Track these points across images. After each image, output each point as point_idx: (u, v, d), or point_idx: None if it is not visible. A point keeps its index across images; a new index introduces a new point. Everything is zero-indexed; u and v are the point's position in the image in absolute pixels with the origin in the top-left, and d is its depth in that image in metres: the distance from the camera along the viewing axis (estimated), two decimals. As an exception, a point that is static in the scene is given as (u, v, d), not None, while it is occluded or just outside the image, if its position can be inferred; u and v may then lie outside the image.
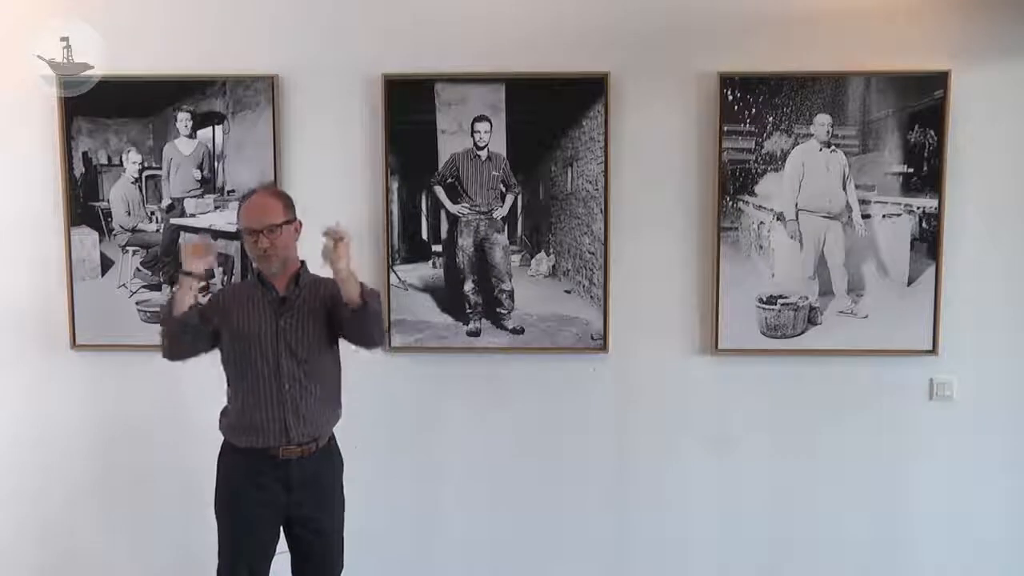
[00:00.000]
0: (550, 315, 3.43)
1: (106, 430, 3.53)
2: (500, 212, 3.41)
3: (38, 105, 3.38)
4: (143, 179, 3.44)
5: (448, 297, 3.44)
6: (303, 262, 2.83)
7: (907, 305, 3.36)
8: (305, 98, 3.39)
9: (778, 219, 3.36)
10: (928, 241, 3.33)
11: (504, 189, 3.40)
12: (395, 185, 3.41)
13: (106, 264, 3.45)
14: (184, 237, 2.70)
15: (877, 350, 3.38)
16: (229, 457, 2.84)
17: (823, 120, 3.31)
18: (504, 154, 3.38)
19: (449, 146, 3.38)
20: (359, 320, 2.68)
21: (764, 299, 3.39)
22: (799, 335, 3.39)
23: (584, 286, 3.42)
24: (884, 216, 3.34)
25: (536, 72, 3.32)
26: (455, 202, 3.41)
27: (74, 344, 3.47)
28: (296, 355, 2.76)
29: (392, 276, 3.43)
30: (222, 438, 2.85)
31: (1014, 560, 3.49)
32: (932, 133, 3.29)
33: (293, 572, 2.90)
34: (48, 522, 3.57)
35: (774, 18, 3.31)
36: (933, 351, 3.37)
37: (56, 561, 3.58)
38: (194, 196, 3.44)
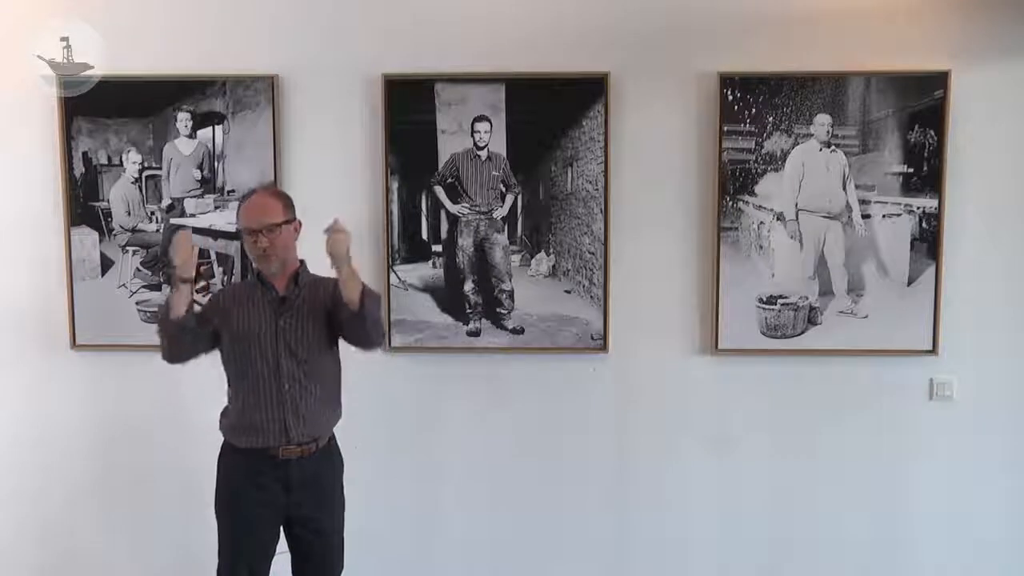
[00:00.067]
0: (550, 315, 3.43)
1: (106, 430, 3.53)
2: (500, 212, 3.41)
3: (38, 105, 3.38)
4: (143, 179, 3.44)
5: (448, 297, 3.44)
6: (302, 261, 2.83)
7: (907, 305, 3.36)
8: (305, 98, 3.39)
9: (778, 219, 3.36)
10: (928, 241, 3.33)
11: (504, 189, 3.40)
12: (395, 185, 3.41)
13: (106, 264, 3.45)
14: (177, 233, 2.71)
15: (877, 350, 3.38)
16: (229, 457, 2.84)
17: (823, 120, 3.31)
18: (504, 154, 3.38)
19: (449, 146, 3.38)
20: (358, 322, 2.69)
21: (764, 299, 3.39)
22: (799, 335, 3.39)
23: (584, 286, 3.42)
24: (884, 216, 3.34)
25: (536, 72, 3.32)
26: (455, 202, 3.42)
27: (74, 344, 3.47)
28: (296, 355, 2.76)
29: (392, 276, 3.43)
30: (222, 438, 2.85)
31: (1014, 560, 3.49)
32: (932, 133, 3.29)
33: (293, 572, 2.90)
34: (48, 522, 3.57)
35: (774, 18, 3.31)
36: (933, 351, 3.37)
37: (56, 561, 3.58)
38: (194, 196, 3.44)
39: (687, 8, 3.32)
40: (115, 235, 3.45)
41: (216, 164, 3.42)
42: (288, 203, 2.79)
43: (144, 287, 3.46)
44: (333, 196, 3.36)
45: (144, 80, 3.36)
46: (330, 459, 2.89)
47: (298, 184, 3.33)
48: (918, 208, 3.33)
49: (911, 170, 3.31)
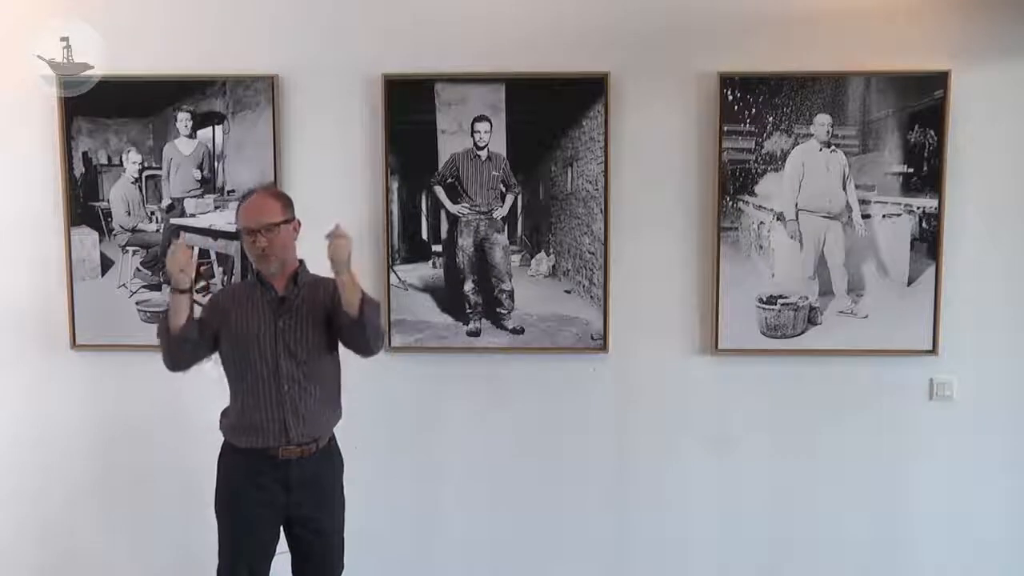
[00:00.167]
0: (550, 315, 3.43)
1: (106, 430, 3.53)
2: (500, 212, 3.41)
3: (38, 105, 3.38)
4: (143, 179, 3.44)
5: (448, 297, 3.44)
6: (301, 261, 2.83)
7: (907, 305, 3.36)
8: (305, 98, 3.39)
9: (778, 219, 3.36)
10: (928, 241, 3.33)
11: (504, 189, 3.40)
12: (395, 185, 3.41)
13: (106, 264, 3.45)
14: (172, 245, 2.68)
15: (877, 350, 3.38)
16: (229, 457, 2.84)
17: (823, 120, 3.31)
18: (504, 154, 3.38)
19: (449, 146, 3.38)
20: (357, 329, 2.70)
21: (764, 299, 3.39)
22: (799, 335, 3.39)
23: (584, 286, 3.42)
24: (884, 216, 3.34)
25: (536, 72, 3.32)
26: (455, 202, 3.41)
27: (74, 344, 3.47)
28: (295, 356, 2.76)
29: (392, 276, 3.43)
30: (222, 438, 2.85)
31: (1014, 560, 3.49)
32: (932, 133, 3.29)
33: (293, 572, 2.90)
34: (48, 522, 3.57)
35: (774, 18, 3.31)
36: (933, 351, 3.37)
37: (56, 561, 3.58)
38: (194, 196, 3.44)
39: (687, 8, 3.32)
40: (115, 235, 3.45)
41: (216, 164, 3.42)
42: (287, 203, 2.79)
43: (144, 287, 3.46)
44: (333, 196, 3.36)
45: (144, 80, 3.36)
46: (330, 459, 2.89)
47: (298, 184, 3.33)
48: (918, 208, 3.33)
49: (911, 170, 3.31)
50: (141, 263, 3.46)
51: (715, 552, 3.52)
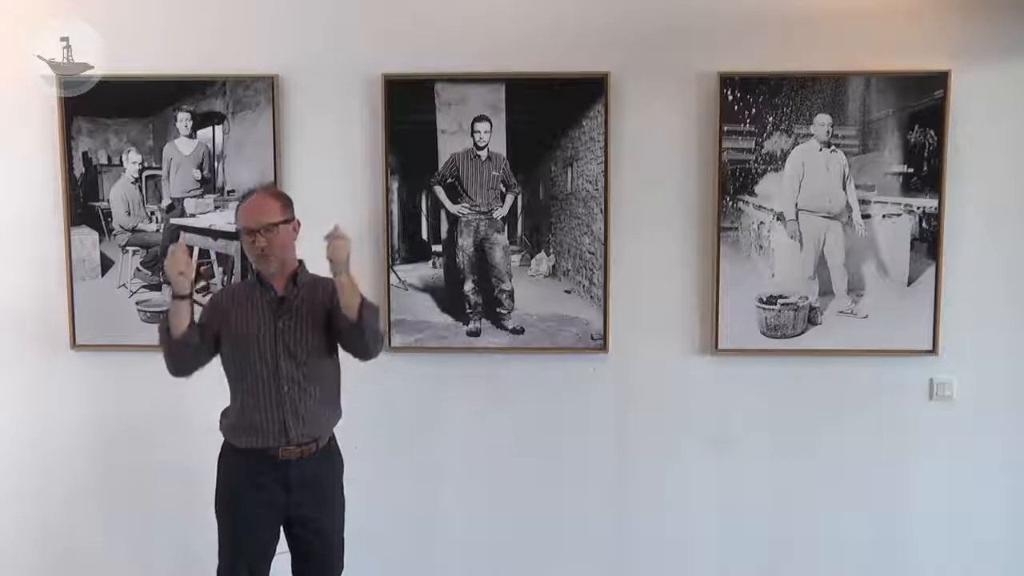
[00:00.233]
0: (550, 315, 3.43)
1: (106, 430, 3.53)
2: (500, 212, 3.41)
3: (38, 105, 3.38)
4: (143, 179, 3.44)
5: (448, 297, 3.44)
6: (301, 261, 2.83)
7: (907, 305, 3.36)
8: (305, 98, 3.39)
9: (778, 219, 3.36)
10: (928, 241, 3.33)
11: (504, 189, 3.40)
12: (395, 185, 3.41)
13: (106, 264, 3.45)
14: (171, 248, 2.68)
15: (877, 350, 3.38)
16: (229, 457, 2.84)
17: (823, 120, 3.31)
18: (504, 154, 3.38)
19: (449, 146, 3.38)
20: (356, 333, 2.70)
21: (764, 299, 3.39)
22: (799, 335, 3.39)
23: (584, 286, 3.42)
24: (884, 216, 3.34)
25: (536, 72, 3.32)
26: (455, 202, 3.41)
27: (74, 344, 3.47)
28: (295, 356, 2.76)
29: (392, 276, 3.43)
30: (222, 438, 2.85)
31: (1014, 560, 3.49)
32: (932, 133, 3.29)
33: (293, 572, 2.90)
34: (48, 522, 3.57)
35: (774, 18, 3.31)
36: (933, 351, 3.37)
37: (56, 561, 3.58)
38: (194, 196, 3.44)
39: (687, 8, 3.32)
40: (115, 235, 3.45)
41: (216, 164, 3.42)
42: (287, 203, 2.79)
43: (144, 287, 3.46)
44: (333, 196, 3.36)
45: (144, 80, 3.36)
46: (330, 459, 2.89)
47: (298, 184, 3.33)
48: (918, 208, 3.33)
49: (911, 170, 3.31)
50: (141, 263, 3.46)
51: (715, 552, 3.52)
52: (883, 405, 3.44)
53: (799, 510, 3.49)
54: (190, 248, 3.36)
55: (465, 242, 3.43)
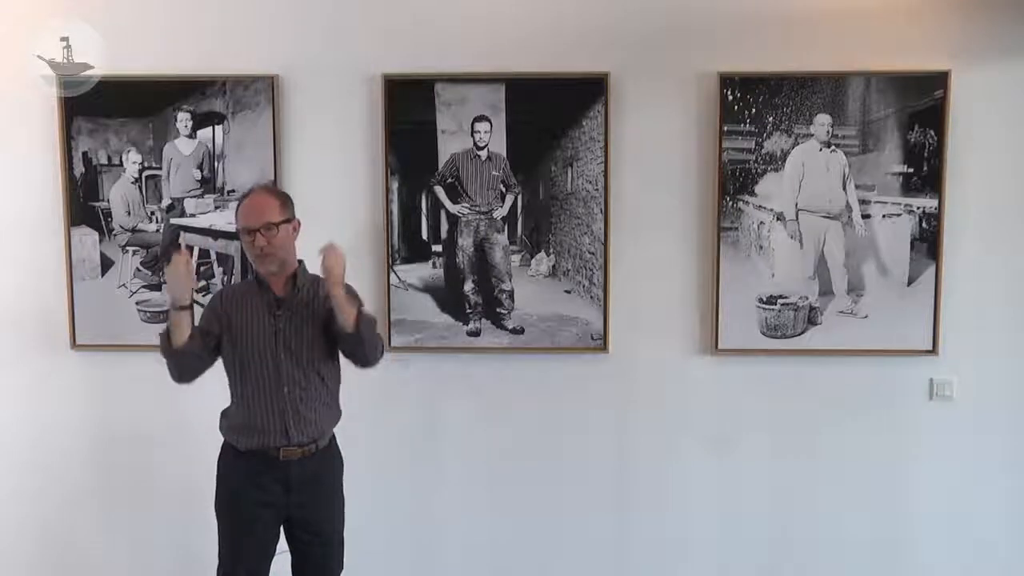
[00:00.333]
0: (550, 315, 3.43)
1: (106, 430, 3.53)
2: (500, 212, 3.41)
3: (38, 105, 3.38)
4: (143, 179, 3.44)
5: (448, 297, 3.44)
6: (301, 262, 2.82)
7: (907, 305, 3.35)
8: (305, 98, 3.39)
9: (778, 219, 3.36)
10: (928, 241, 3.33)
11: (504, 189, 3.40)
12: (395, 185, 3.41)
13: (106, 264, 3.45)
14: (173, 257, 2.68)
15: (877, 350, 3.38)
16: (229, 458, 2.83)
17: (823, 120, 3.31)
18: (504, 154, 3.38)
19: (449, 146, 3.38)
20: (354, 342, 2.71)
21: (764, 299, 3.39)
22: (799, 335, 3.39)
23: (584, 286, 3.42)
24: (884, 216, 3.34)
25: (536, 72, 3.32)
26: (455, 202, 3.41)
27: (74, 344, 3.47)
28: (295, 357, 2.75)
29: (392, 276, 3.43)
30: (222, 439, 2.84)
31: (1014, 560, 3.49)
32: (932, 133, 3.29)
33: (293, 572, 2.90)
34: (48, 522, 3.57)
35: (774, 18, 3.31)
36: (933, 351, 3.37)
37: (56, 561, 3.58)
38: (194, 196, 3.44)
39: (687, 8, 3.32)
40: (115, 235, 3.45)
41: (216, 164, 3.42)
42: (287, 202, 2.78)
43: (144, 287, 3.46)
44: (333, 196, 3.36)
45: (144, 80, 3.36)
46: (330, 459, 2.88)
47: (298, 184, 3.33)
48: (918, 208, 3.33)
49: (911, 170, 3.31)
50: (141, 263, 3.46)
51: (715, 552, 3.52)
52: (883, 405, 3.44)
53: (799, 510, 3.49)
54: (190, 248, 3.37)
55: (465, 242, 3.43)
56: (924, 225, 3.33)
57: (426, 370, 3.47)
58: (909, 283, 3.35)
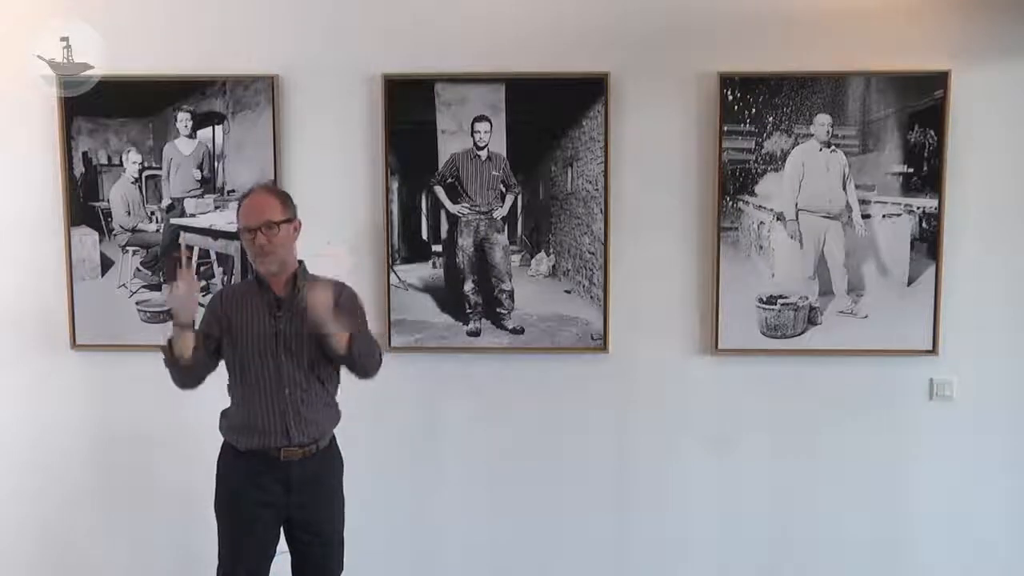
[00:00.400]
0: (550, 315, 3.43)
1: (106, 430, 3.53)
2: (500, 212, 3.41)
3: (38, 105, 3.38)
4: (143, 179, 3.44)
5: (448, 297, 3.44)
6: (301, 262, 2.82)
7: (907, 305, 3.35)
8: (305, 98, 3.39)
9: (778, 219, 3.36)
10: (928, 241, 3.33)
11: (504, 189, 3.40)
12: (395, 185, 3.41)
13: (106, 264, 3.45)
14: (178, 274, 2.69)
15: (877, 350, 3.38)
16: (229, 458, 2.83)
17: (823, 120, 3.31)
18: (504, 154, 3.38)
19: (449, 146, 3.38)
20: (346, 363, 2.75)
21: (764, 299, 3.39)
22: (799, 335, 3.39)
23: (584, 286, 3.42)
24: (884, 216, 3.34)
25: (536, 72, 3.32)
26: (455, 202, 3.41)
27: (74, 344, 3.47)
28: (295, 358, 2.75)
29: (392, 276, 3.43)
30: (222, 439, 2.84)
31: (1014, 560, 3.49)
32: (932, 133, 3.29)
33: (293, 572, 2.89)
34: (48, 522, 3.57)
35: (774, 18, 3.31)
36: (933, 351, 3.37)
37: (56, 561, 3.58)
38: (194, 196, 3.44)
39: (687, 8, 3.32)
40: (115, 235, 3.45)
41: (216, 164, 3.42)
42: (287, 201, 2.78)
43: (144, 287, 3.46)
44: (333, 196, 3.37)
45: (144, 80, 3.36)
46: (331, 460, 2.88)
47: (298, 184, 3.33)
48: (918, 208, 3.33)
49: (911, 170, 3.31)
50: (141, 263, 3.46)
51: (715, 552, 3.52)
52: (883, 405, 3.44)
53: (799, 510, 3.49)
54: (190, 249, 3.37)
55: (465, 242, 3.43)
56: (924, 225, 3.33)
57: (426, 370, 3.47)
58: (909, 283, 3.35)
